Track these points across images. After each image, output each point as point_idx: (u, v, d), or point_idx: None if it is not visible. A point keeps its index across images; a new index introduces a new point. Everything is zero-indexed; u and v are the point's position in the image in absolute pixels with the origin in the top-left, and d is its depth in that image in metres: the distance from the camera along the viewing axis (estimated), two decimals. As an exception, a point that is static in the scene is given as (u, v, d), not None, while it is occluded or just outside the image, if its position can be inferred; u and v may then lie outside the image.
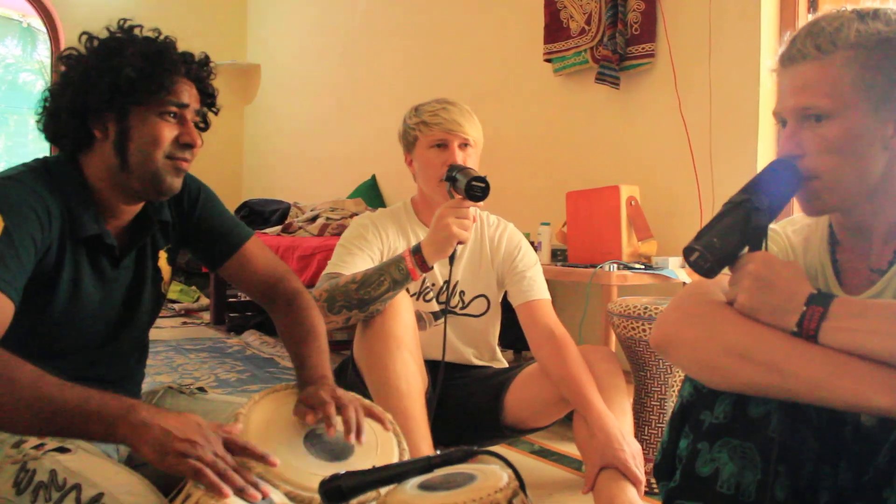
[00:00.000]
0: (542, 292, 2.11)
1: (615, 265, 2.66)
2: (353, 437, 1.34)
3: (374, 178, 5.20)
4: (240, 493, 1.11)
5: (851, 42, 1.09)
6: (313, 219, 4.75)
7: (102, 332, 1.49)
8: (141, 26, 1.45)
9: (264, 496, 1.12)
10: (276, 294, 1.64)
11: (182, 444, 1.12)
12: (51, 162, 1.43)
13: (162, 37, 1.45)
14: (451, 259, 1.87)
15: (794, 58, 1.14)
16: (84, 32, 1.44)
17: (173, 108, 1.40)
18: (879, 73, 1.09)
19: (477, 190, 1.81)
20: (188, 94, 1.43)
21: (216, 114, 1.55)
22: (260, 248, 1.67)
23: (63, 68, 1.42)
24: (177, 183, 1.44)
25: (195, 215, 1.61)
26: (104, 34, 1.43)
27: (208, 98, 1.51)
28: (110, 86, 1.36)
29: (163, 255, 1.59)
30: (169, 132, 1.40)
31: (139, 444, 1.13)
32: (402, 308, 1.90)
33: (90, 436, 1.19)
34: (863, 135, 1.10)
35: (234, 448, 1.20)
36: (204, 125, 1.52)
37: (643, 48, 3.15)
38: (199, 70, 1.46)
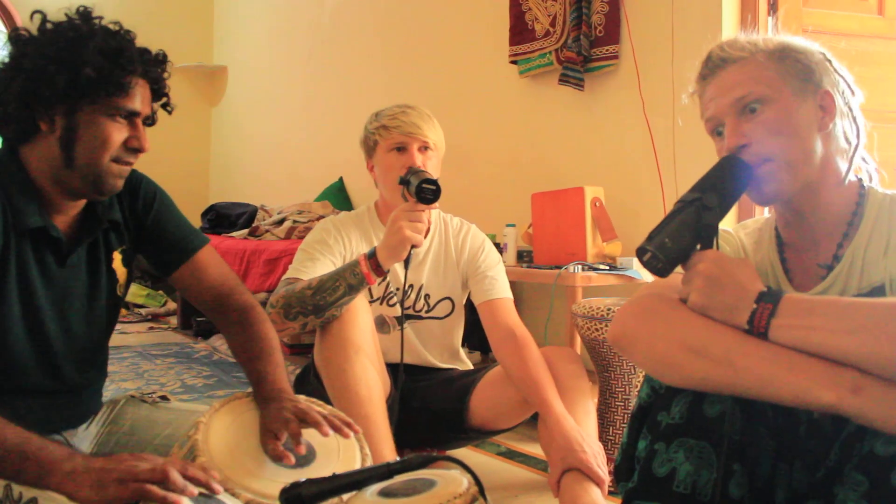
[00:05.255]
0: (503, 291, 2.11)
1: (580, 266, 2.67)
2: (326, 429, 1.31)
3: (341, 180, 5.18)
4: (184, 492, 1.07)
5: (762, 48, 1.21)
6: (280, 222, 4.72)
7: (57, 337, 1.44)
8: (101, 17, 1.39)
9: (215, 493, 1.11)
10: (228, 307, 1.59)
11: (119, 471, 1.08)
12: None
13: (123, 30, 1.40)
14: (406, 262, 1.86)
15: (717, 66, 1.24)
16: (37, 11, 1.36)
17: (125, 112, 1.36)
18: (794, 63, 1.20)
19: (427, 193, 1.80)
20: (142, 98, 1.39)
21: (169, 113, 1.51)
22: (214, 257, 1.63)
23: (13, 50, 1.34)
24: (119, 184, 1.41)
25: (148, 219, 1.56)
26: (61, 17, 1.36)
27: (161, 97, 1.46)
28: (67, 82, 1.31)
29: (117, 256, 1.54)
30: (118, 135, 1.36)
31: (74, 490, 1.07)
32: (360, 313, 1.89)
33: (23, 478, 1.11)
34: (797, 114, 1.18)
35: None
36: (151, 122, 1.47)
37: (607, 50, 3.17)
38: (155, 70, 1.42)
